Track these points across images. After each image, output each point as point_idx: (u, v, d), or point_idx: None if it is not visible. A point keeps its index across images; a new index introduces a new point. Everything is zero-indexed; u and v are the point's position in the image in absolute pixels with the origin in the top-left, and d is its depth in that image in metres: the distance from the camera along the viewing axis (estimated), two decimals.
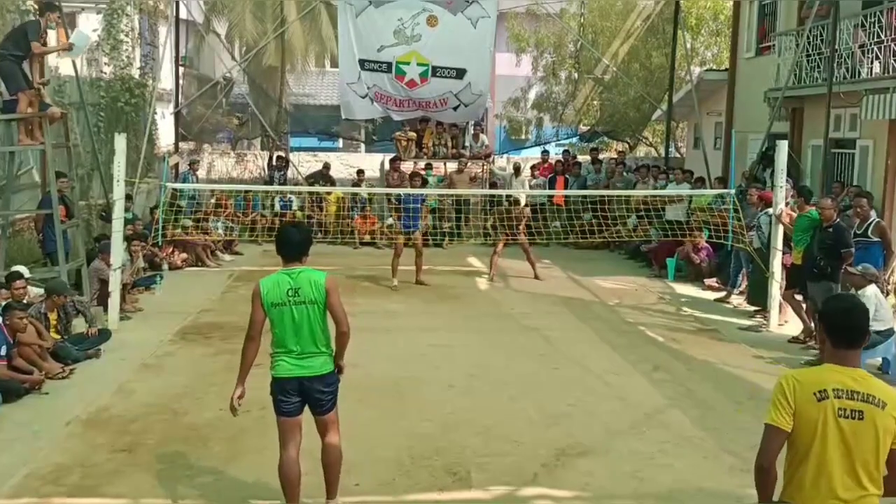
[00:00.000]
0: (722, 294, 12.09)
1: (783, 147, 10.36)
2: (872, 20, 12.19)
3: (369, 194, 16.54)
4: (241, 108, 21.38)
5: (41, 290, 8.93)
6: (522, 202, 17.26)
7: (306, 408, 5.02)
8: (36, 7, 12.16)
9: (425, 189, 15.91)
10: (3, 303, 8.06)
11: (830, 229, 9.05)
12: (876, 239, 9.63)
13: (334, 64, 23.00)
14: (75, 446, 6.28)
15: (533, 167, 17.92)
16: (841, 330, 3.37)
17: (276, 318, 4.86)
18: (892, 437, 3.28)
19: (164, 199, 11.41)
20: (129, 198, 11.90)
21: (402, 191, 12.88)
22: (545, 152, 18.95)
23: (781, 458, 3.44)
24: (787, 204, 10.57)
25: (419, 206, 12.73)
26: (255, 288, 4.93)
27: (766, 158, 13.75)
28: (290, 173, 18.24)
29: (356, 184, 17.18)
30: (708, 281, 12.79)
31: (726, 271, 12.41)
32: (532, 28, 24.28)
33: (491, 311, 11.19)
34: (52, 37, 10.99)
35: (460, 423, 6.85)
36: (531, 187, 16.80)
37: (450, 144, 18.04)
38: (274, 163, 18.37)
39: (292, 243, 4.96)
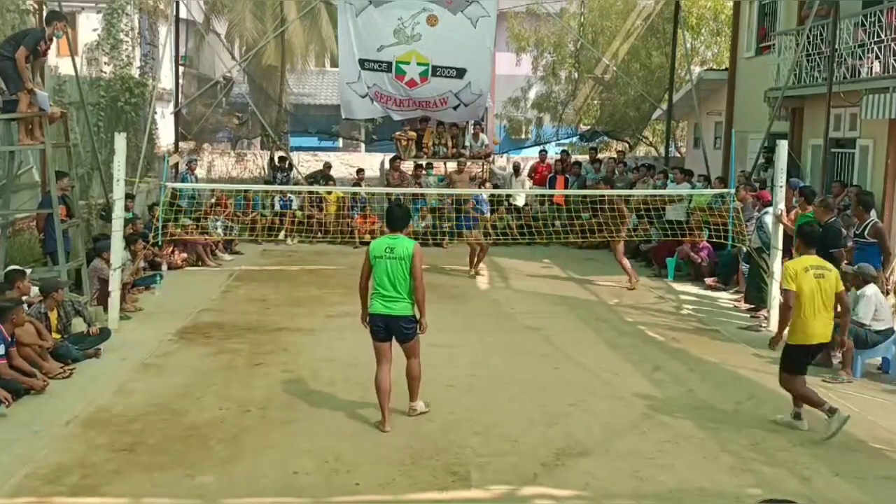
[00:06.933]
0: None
1: (783, 147, 10.35)
2: (872, 20, 12.18)
3: (369, 194, 16.53)
4: (241, 107, 21.37)
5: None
6: (521, 202, 17.30)
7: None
8: (35, 7, 12.17)
9: (425, 189, 15.96)
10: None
11: (820, 230, 9.05)
12: (873, 240, 9.63)
13: (334, 64, 23.00)
14: (75, 446, 6.28)
15: (529, 173, 17.84)
16: None
17: (376, 267, 6.61)
18: None
19: (164, 199, 11.40)
20: (129, 197, 11.89)
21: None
22: (543, 151, 18.86)
23: None
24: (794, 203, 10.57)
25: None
26: (368, 246, 6.78)
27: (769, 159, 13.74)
28: (292, 174, 18.24)
29: (356, 183, 17.17)
30: (708, 280, 12.78)
31: (726, 271, 12.43)
32: (532, 28, 24.24)
33: (491, 311, 11.19)
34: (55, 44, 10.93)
35: (460, 423, 6.86)
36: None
37: (450, 144, 18.03)
38: (277, 163, 18.35)
39: (394, 217, 6.80)
